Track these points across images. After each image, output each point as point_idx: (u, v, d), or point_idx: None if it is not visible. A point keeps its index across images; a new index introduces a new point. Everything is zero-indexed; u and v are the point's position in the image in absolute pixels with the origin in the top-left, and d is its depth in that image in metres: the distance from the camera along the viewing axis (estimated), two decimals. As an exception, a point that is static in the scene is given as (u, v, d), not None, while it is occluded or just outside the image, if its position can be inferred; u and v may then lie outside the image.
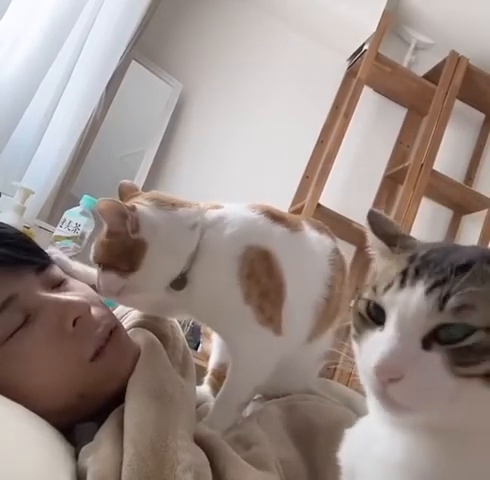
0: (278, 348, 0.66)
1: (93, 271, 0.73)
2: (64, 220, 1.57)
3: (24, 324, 0.56)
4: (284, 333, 0.65)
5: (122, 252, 0.63)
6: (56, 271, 0.64)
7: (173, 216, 0.65)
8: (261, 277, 0.64)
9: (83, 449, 0.52)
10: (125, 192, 0.71)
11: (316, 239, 0.72)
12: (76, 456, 0.52)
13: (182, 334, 0.74)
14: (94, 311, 0.61)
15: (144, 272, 0.63)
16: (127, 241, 0.63)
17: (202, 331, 1.49)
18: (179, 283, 0.65)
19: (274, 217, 0.68)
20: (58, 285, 0.62)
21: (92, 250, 0.66)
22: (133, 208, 0.63)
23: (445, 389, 0.34)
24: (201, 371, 0.79)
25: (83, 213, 1.58)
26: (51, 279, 0.62)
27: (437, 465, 0.36)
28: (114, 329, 0.62)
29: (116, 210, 0.62)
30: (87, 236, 1.58)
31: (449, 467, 0.36)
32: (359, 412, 0.64)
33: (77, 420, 0.59)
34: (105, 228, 0.65)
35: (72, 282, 0.65)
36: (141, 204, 0.65)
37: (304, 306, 0.68)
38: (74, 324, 0.58)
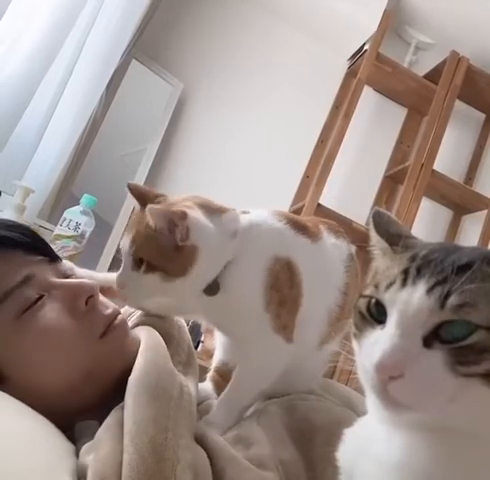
0: (287, 355, 0.66)
1: (95, 274, 0.73)
2: (64, 219, 1.57)
3: (38, 301, 0.60)
4: (295, 341, 0.66)
5: (173, 255, 0.62)
6: (64, 266, 0.68)
7: (220, 224, 0.65)
8: (283, 287, 0.64)
9: (83, 447, 0.52)
10: (145, 195, 0.67)
11: (333, 246, 0.72)
12: (76, 454, 0.52)
13: (188, 334, 0.74)
14: (101, 297, 0.66)
15: (191, 278, 0.63)
16: (176, 246, 0.61)
17: (203, 329, 1.48)
18: (212, 289, 0.65)
19: (297, 227, 0.69)
20: (67, 278, 0.67)
21: (129, 242, 0.63)
22: (184, 216, 0.61)
23: (445, 388, 0.34)
24: (202, 370, 0.79)
25: (83, 212, 1.58)
26: (61, 271, 0.66)
27: (435, 465, 0.36)
28: (120, 314, 0.66)
29: (166, 218, 0.60)
30: (87, 235, 1.58)
31: (447, 467, 0.36)
32: (358, 412, 0.64)
33: (78, 408, 0.60)
34: (151, 222, 0.61)
35: (78, 278, 0.68)
36: (192, 209, 0.63)
37: (318, 314, 0.69)
38: (86, 304, 0.62)
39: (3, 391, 0.55)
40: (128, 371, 0.59)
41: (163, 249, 0.61)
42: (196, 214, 0.63)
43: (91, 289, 0.64)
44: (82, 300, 0.62)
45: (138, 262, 0.62)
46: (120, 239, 0.67)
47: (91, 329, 0.62)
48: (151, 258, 0.62)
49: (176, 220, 0.60)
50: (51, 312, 0.60)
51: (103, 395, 0.62)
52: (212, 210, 0.66)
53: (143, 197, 0.67)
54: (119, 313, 0.66)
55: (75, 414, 0.60)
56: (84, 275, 0.72)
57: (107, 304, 0.66)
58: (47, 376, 0.59)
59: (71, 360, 0.60)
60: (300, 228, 0.69)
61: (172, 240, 0.61)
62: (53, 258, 0.66)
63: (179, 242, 0.61)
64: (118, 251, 0.67)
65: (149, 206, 0.60)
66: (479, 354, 0.34)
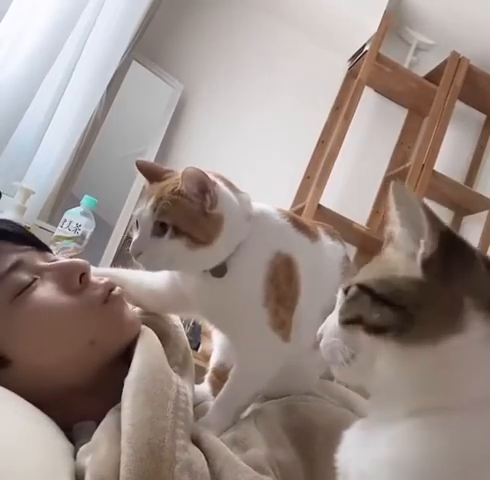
0: (283, 354, 0.66)
1: (92, 269, 0.73)
2: (65, 220, 1.57)
3: (33, 283, 0.61)
4: (291, 340, 0.66)
5: (201, 220, 0.61)
6: (53, 256, 0.69)
7: (239, 201, 0.65)
8: (281, 283, 0.64)
9: (81, 448, 0.52)
10: (154, 171, 0.67)
11: (330, 247, 0.72)
12: (75, 455, 0.52)
13: (185, 335, 0.74)
14: (93, 277, 0.67)
15: (213, 248, 0.62)
16: (204, 212, 0.61)
17: (202, 331, 1.49)
18: (220, 270, 0.64)
19: (298, 226, 0.69)
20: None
21: (149, 209, 0.61)
22: (215, 184, 0.62)
23: (339, 339, 0.43)
24: (201, 372, 0.79)
25: (84, 213, 1.58)
26: (50, 259, 0.67)
27: (424, 460, 0.37)
28: (115, 286, 0.67)
29: (199, 181, 0.60)
30: (88, 236, 1.58)
31: (437, 460, 0.37)
32: (358, 413, 0.64)
33: (80, 388, 0.61)
34: (174, 187, 0.61)
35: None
36: (217, 180, 0.64)
37: (313, 314, 0.68)
38: (80, 282, 0.63)
39: (9, 375, 0.57)
40: (130, 353, 0.60)
41: (191, 213, 0.61)
42: (222, 185, 0.64)
43: (83, 266, 0.65)
44: (75, 277, 0.63)
45: (160, 227, 0.61)
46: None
47: (92, 299, 0.63)
48: (178, 222, 0.60)
49: (209, 185, 0.61)
50: (45, 292, 0.61)
51: (104, 375, 0.63)
52: (231, 186, 0.66)
53: (152, 173, 0.67)
54: (115, 286, 0.67)
55: (77, 396, 0.61)
56: None
57: (100, 278, 0.67)
58: (49, 353, 0.60)
59: (73, 331, 0.61)
60: (301, 227, 0.69)
61: (200, 205, 0.61)
62: (41, 248, 0.67)
63: (207, 208, 0.61)
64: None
65: (185, 168, 0.60)
66: (348, 303, 0.43)
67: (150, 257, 0.62)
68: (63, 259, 0.67)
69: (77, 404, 0.61)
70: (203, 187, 0.61)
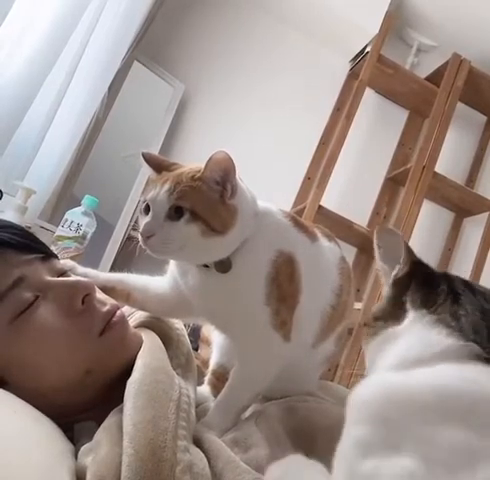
0: (284, 355, 0.66)
1: (99, 274, 0.73)
2: (66, 220, 1.57)
3: (34, 303, 0.59)
4: (292, 340, 0.66)
5: (219, 209, 0.61)
6: (59, 263, 0.67)
7: (250, 196, 0.66)
8: (283, 282, 0.64)
9: (82, 448, 0.52)
10: (161, 162, 0.68)
11: (327, 248, 0.73)
12: (76, 455, 0.52)
13: (187, 339, 0.74)
14: (99, 294, 0.65)
15: (226, 240, 0.62)
16: (223, 201, 0.61)
17: (201, 337, 1.49)
18: (225, 265, 0.64)
19: (298, 225, 0.69)
20: (62, 275, 0.65)
21: (165, 192, 0.60)
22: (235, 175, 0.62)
23: None
24: (200, 374, 0.79)
25: (85, 213, 1.58)
26: (55, 269, 0.65)
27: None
28: (118, 309, 0.65)
29: (225, 169, 0.61)
30: (89, 236, 1.58)
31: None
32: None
33: (78, 406, 0.60)
34: (195, 173, 0.61)
35: (74, 276, 0.67)
36: None
37: (312, 313, 0.69)
38: (83, 303, 0.61)
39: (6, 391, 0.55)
40: (130, 369, 0.59)
41: (210, 200, 0.61)
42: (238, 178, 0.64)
43: (87, 287, 0.63)
44: (78, 299, 0.61)
45: (176, 211, 0.60)
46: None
47: (89, 328, 0.61)
48: (196, 207, 0.60)
49: (232, 174, 0.62)
50: (46, 314, 0.59)
51: (104, 393, 0.62)
52: (242, 181, 0.67)
53: (159, 164, 0.68)
54: (118, 309, 0.65)
55: (76, 413, 0.60)
56: (87, 272, 0.71)
57: (105, 301, 0.65)
58: (45, 378, 0.58)
59: (69, 361, 0.59)
60: (301, 227, 0.70)
61: (219, 193, 0.61)
62: (47, 255, 0.65)
63: (227, 198, 0.61)
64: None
65: (216, 152, 0.61)
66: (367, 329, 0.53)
67: (162, 240, 0.60)
68: (68, 278, 0.64)
69: (79, 404, 0.61)
70: (226, 175, 0.61)
